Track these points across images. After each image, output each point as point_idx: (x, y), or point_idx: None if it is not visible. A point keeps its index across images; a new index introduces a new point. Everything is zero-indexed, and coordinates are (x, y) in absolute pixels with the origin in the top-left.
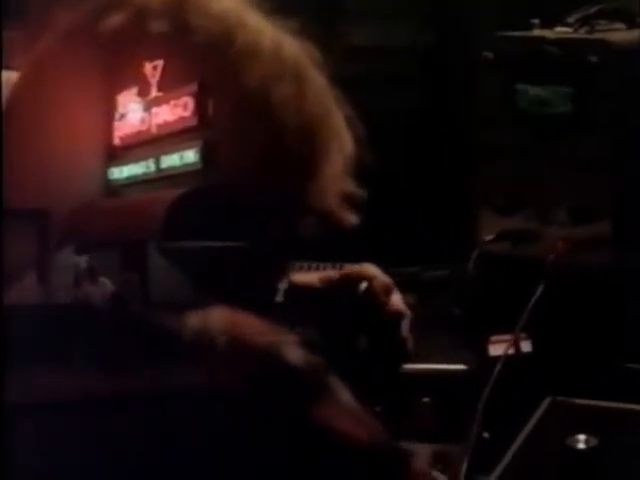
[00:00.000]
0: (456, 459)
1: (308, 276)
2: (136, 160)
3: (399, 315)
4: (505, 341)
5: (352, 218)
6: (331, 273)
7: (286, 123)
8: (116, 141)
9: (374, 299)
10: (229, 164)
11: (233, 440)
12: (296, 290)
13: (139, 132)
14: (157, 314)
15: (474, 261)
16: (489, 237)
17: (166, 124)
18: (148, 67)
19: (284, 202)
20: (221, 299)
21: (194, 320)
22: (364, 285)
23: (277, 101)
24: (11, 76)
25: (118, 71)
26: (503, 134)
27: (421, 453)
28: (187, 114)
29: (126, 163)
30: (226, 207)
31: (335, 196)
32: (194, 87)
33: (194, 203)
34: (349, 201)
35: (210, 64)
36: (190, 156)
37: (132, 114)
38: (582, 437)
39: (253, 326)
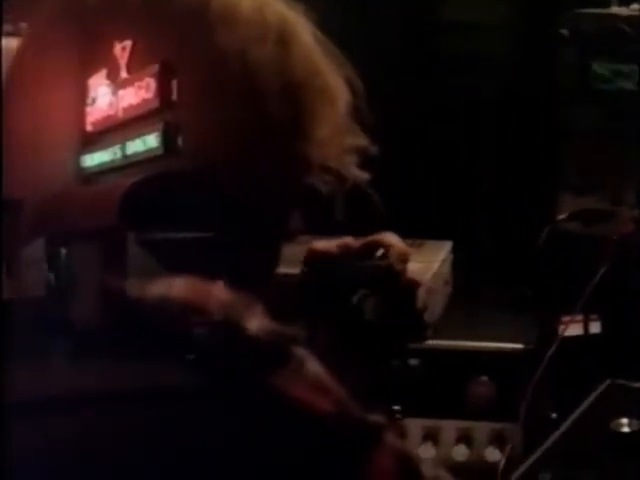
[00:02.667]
0: (513, 438)
1: (327, 243)
2: (105, 147)
3: (414, 284)
4: (577, 321)
5: (362, 174)
6: (349, 240)
7: (266, 88)
8: (88, 127)
9: (389, 267)
10: (196, 147)
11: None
12: (314, 256)
13: (108, 117)
14: (121, 285)
15: (544, 240)
16: (562, 216)
17: (131, 107)
18: (118, 48)
19: (272, 172)
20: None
21: (156, 288)
22: (380, 252)
23: (255, 66)
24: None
25: (91, 53)
26: (579, 113)
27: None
28: (149, 96)
29: (97, 150)
30: (192, 193)
31: (337, 155)
32: (156, 67)
33: (151, 190)
34: (360, 157)
35: (181, 35)
36: (152, 141)
37: (101, 98)
38: (625, 420)
39: (218, 296)
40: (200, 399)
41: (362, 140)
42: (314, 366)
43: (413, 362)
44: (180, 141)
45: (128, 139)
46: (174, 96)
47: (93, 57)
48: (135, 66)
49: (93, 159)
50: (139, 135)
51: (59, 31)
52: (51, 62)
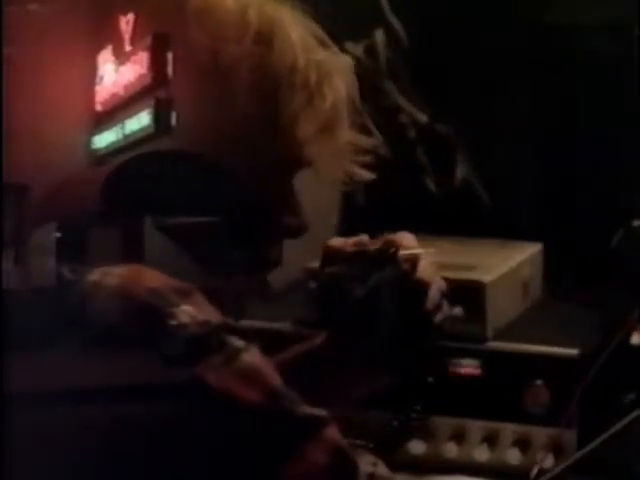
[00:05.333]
0: (568, 444)
1: (342, 241)
2: (111, 126)
3: (423, 285)
4: None
5: (365, 174)
6: (365, 239)
7: (239, 86)
8: (97, 107)
9: (397, 266)
10: (183, 128)
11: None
12: (330, 254)
13: (113, 95)
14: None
15: (617, 243)
16: (639, 222)
17: (130, 84)
18: (123, 22)
19: (250, 169)
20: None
21: (94, 275)
22: (391, 251)
23: (228, 64)
24: None
25: (99, 29)
26: None
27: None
28: (143, 71)
29: (105, 130)
30: (180, 174)
31: (329, 153)
32: (148, 40)
33: (136, 172)
34: (367, 156)
35: (168, 17)
36: (145, 119)
37: (107, 76)
38: None
39: (150, 284)
40: (124, 386)
41: (366, 140)
42: (251, 357)
43: (472, 363)
44: (174, 119)
45: (126, 118)
46: (169, 70)
47: (102, 32)
48: (138, 40)
49: (102, 140)
50: (135, 113)
51: (67, 9)
52: (60, 42)
